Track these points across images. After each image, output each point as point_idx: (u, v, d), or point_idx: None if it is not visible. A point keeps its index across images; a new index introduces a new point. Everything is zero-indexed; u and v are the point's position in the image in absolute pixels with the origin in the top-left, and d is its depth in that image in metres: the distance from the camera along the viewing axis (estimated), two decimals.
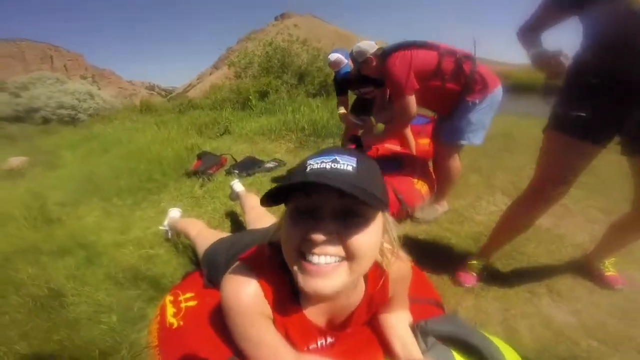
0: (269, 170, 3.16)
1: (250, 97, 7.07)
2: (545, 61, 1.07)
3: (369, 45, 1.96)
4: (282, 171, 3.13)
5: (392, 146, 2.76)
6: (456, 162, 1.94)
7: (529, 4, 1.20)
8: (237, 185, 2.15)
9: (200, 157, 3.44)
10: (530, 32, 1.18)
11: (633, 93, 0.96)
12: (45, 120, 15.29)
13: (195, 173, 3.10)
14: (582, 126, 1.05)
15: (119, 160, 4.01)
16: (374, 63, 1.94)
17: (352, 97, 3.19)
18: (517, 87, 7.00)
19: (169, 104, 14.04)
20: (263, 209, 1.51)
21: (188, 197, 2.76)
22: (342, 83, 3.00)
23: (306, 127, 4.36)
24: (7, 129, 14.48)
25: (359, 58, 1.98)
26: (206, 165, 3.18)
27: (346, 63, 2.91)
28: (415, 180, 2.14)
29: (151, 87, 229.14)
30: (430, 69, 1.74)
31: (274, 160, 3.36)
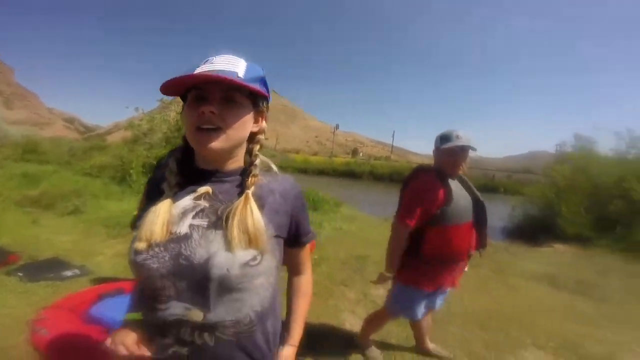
0: (63, 279, 2.70)
1: (132, 170, 6.47)
2: None
3: None
4: (79, 283, 2.66)
5: None
6: None
7: None
8: None
9: None
10: None
11: None
12: None
13: None
14: None
15: None
16: None
17: None
18: None
19: (64, 149, 12.41)
20: None
21: None
22: None
23: None
24: None
25: None
26: None
27: None
28: None
29: (70, 120, 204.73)
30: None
31: (79, 267, 2.91)
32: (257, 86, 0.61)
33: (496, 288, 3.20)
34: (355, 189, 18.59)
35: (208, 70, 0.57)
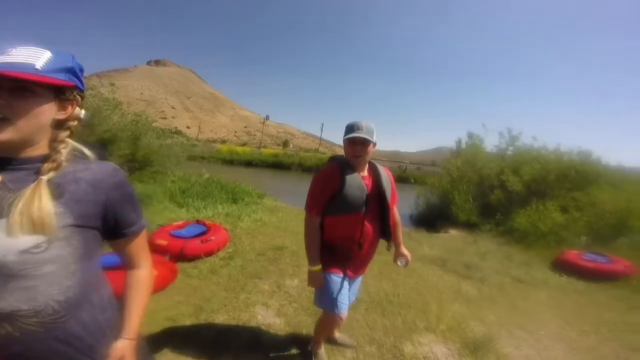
0: None
1: None
2: None
3: None
4: None
5: None
6: None
7: None
8: None
9: None
10: None
11: None
12: None
13: None
14: None
15: None
16: None
17: None
18: None
19: None
20: None
21: None
22: None
23: None
24: None
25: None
26: None
27: None
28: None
29: None
30: None
31: None
32: (57, 77, 0.62)
33: (396, 273, 3.45)
34: (282, 181, 18.56)
35: (1, 62, 0.57)
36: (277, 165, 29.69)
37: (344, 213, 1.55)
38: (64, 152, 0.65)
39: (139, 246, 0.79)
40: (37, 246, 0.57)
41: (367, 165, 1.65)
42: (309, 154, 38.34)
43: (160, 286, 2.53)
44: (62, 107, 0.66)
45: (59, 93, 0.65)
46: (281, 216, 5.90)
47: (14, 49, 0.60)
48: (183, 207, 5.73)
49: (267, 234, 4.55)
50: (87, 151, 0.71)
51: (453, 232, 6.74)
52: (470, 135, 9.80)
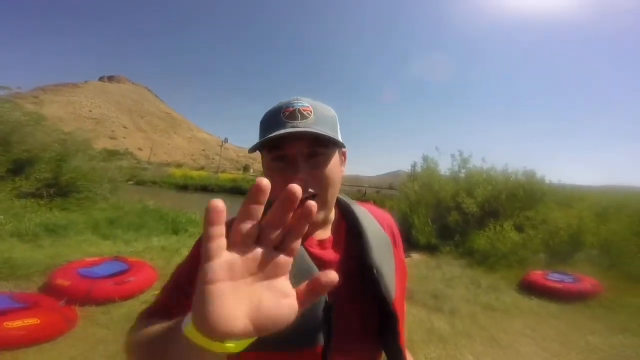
0: None
1: None
2: None
3: None
4: None
5: None
6: None
7: None
8: None
9: None
10: None
11: None
12: None
13: None
14: None
15: None
16: None
17: None
18: None
19: None
20: None
21: None
22: None
23: None
24: None
25: None
26: None
27: None
28: None
29: None
30: None
31: None
32: None
33: None
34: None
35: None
36: (235, 190, 28.30)
37: (274, 349, 0.52)
38: None
39: None
40: None
41: (334, 209, 0.64)
42: None
43: (45, 336, 2.13)
44: None
45: None
46: None
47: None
48: (109, 239, 4.81)
49: None
50: None
51: (415, 257, 6.55)
52: (425, 159, 10.06)
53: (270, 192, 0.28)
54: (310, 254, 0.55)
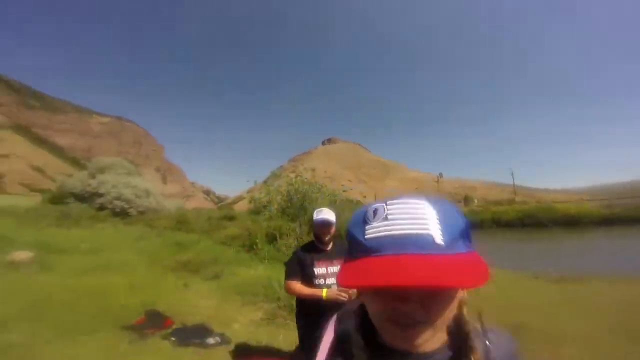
0: (206, 346, 2.92)
1: (257, 240, 7.00)
2: None
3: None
4: (220, 351, 2.82)
5: None
6: None
7: None
8: None
9: (147, 313, 3.43)
10: None
11: None
12: (101, 207, 16.49)
13: (132, 328, 3.08)
14: None
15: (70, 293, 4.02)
16: None
17: None
18: None
19: (204, 219, 14.64)
20: None
21: (110, 350, 2.69)
22: None
23: (281, 297, 3.88)
24: (71, 205, 15.80)
25: None
26: (148, 325, 3.16)
27: None
28: None
29: (207, 192, 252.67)
30: None
31: (220, 335, 3.11)
32: (460, 250, 0.44)
33: None
34: (479, 240, 15.47)
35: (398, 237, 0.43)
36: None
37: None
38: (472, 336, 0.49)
39: None
40: None
41: None
42: (503, 207, 30.64)
43: None
44: None
45: None
46: (500, 284, 4.66)
47: (391, 206, 0.46)
48: None
49: (494, 309, 3.62)
50: (477, 321, 0.52)
51: None
52: None
53: None
54: None
